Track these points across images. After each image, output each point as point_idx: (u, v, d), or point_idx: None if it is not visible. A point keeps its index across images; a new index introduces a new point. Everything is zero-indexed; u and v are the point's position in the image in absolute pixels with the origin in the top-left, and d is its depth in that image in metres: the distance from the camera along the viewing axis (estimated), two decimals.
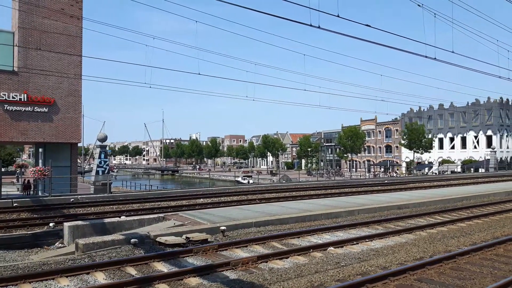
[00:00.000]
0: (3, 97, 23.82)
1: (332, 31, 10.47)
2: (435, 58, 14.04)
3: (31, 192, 26.65)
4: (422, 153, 67.25)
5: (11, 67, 24.50)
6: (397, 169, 76.18)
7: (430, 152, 68.46)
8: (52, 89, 25.42)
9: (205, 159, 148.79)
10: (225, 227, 11.43)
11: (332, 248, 9.84)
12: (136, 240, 10.03)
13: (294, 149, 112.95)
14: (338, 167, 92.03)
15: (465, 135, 72.29)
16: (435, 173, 63.67)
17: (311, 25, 9.87)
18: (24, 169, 44.59)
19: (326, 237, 11.20)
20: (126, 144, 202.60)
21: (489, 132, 68.75)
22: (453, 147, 74.24)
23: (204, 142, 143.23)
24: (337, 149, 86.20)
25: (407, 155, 75.95)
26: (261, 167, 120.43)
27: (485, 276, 7.57)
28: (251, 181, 57.74)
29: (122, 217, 13.84)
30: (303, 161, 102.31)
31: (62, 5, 25.42)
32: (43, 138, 25.29)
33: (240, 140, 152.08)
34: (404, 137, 65.49)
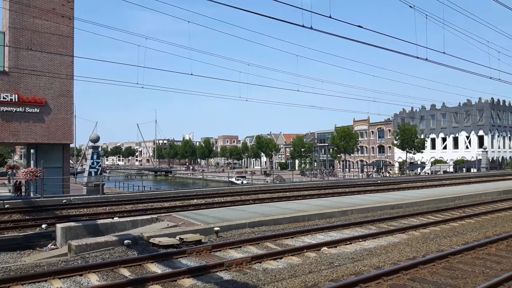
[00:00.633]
0: None
1: (325, 32, 10.51)
2: (427, 59, 14.14)
3: (23, 194, 26.42)
4: (414, 153, 67.69)
5: (2, 67, 24.29)
6: (390, 169, 76.59)
7: (422, 152, 68.93)
8: (43, 90, 25.23)
9: (199, 160, 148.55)
10: (219, 228, 11.41)
11: (325, 248, 9.87)
12: (130, 241, 9.98)
13: (287, 149, 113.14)
14: (331, 167, 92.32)
15: (457, 135, 72.87)
16: (428, 173, 64.10)
17: (303, 26, 9.90)
18: (15, 170, 44.24)
19: (320, 237, 11.23)
20: (118, 144, 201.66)
21: (481, 132, 69.37)
22: (445, 147, 74.80)
23: (198, 143, 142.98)
24: (331, 150, 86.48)
25: (399, 155, 76.39)
26: (255, 167, 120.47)
27: (477, 275, 7.63)
28: (245, 182, 57.76)
29: (115, 218, 13.76)
30: (297, 161, 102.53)
31: (54, 5, 25.25)
32: (35, 139, 25.09)
33: (234, 141, 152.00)
34: (397, 137, 65.87)
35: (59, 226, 11.65)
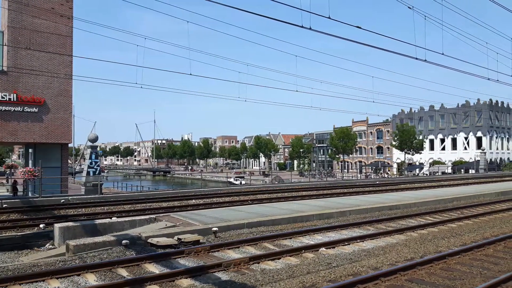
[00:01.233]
0: None
1: (323, 33, 10.51)
2: (426, 60, 14.17)
3: (19, 193, 26.36)
4: (413, 154, 67.75)
5: (1, 66, 24.23)
6: (389, 170, 76.67)
7: (421, 153, 69.01)
8: (42, 89, 25.19)
9: (197, 160, 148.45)
10: (217, 228, 11.40)
11: (324, 249, 9.87)
12: (128, 241, 9.98)
13: (286, 150, 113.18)
14: (330, 168, 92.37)
15: (455, 136, 72.98)
16: (426, 174, 64.18)
17: (302, 27, 9.91)
18: (14, 169, 44.16)
19: (318, 238, 11.23)
20: (117, 144, 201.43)
21: (479, 134, 69.49)
22: (443, 148, 74.90)
23: (196, 143, 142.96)
24: (329, 150, 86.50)
25: (398, 156, 76.49)
26: (254, 168, 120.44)
27: (474, 276, 7.65)
28: (243, 182, 57.77)
29: (113, 218, 13.75)
30: (295, 162, 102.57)
31: (52, 4, 25.21)
32: (33, 138, 25.05)
33: (232, 141, 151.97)
34: (395, 138, 65.94)
35: (57, 226, 11.64)
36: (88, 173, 24.47)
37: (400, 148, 65.53)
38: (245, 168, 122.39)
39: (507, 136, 74.12)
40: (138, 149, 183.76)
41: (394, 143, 67.28)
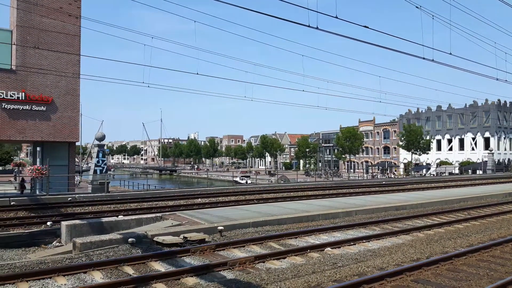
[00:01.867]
0: (0, 96, 23.78)
1: (330, 32, 10.49)
2: (433, 60, 14.08)
3: (26, 191, 26.56)
4: (420, 155, 67.36)
5: (9, 65, 24.45)
6: (395, 170, 76.31)
7: (428, 153, 68.58)
8: (50, 88, 25.39)
9: (203, 159, 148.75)
10: (222, 227, 11.43)
11: (329, 248, 9.86)
12: (134, 239, 10.03)
13: (292, 149, 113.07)
14: (336, 168, 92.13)
15: (463, 136, 72.45)
16: (433, 175, 63.80)
17: (309, 26, 9.89)
18: (22, 167, 44.54)
19: (324, 238, 11.22)
20: (124, 143, 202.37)
21: (487, 134, 68.92)
22: (451, 149, 74.40)
23: (203, 142, 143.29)
24: (335, 150, 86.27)
25: (405, 156, 76.09)
26: (259, 167, 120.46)
27: (481, 277, 7.60)
28: (249, 181, 57.78)
29: (119, 216, 13.83)
30: (301, 161, 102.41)
31: (61, 4, 25.40)
32: (41, 137, 25.26)
33: (239, 140, 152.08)
34: (402, 138, 65.60)
35: (64, 223, 11.73)
36: (95, 171, 24.62)
37: (407, 148, 65.19)
38: (251, 167, 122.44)
39: None
40: (145, 148, 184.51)
41: (401, 143, 66.94)
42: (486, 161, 54.63)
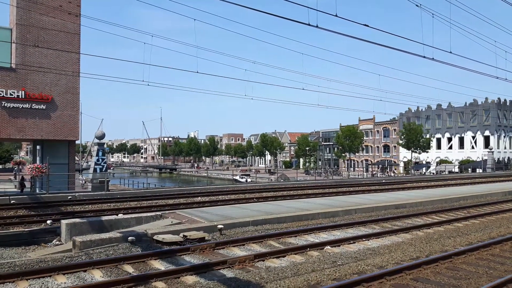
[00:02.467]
0: (0, 94, 23.75)
1: (330, 31, 10.48)
2: (433, 58, 14.07)
3: (25, 189, 26.56)
4: (420, 153, 67.38)
5: (9, 63, 24.42)
6: (395, 169, 76.33)
7: (428, 152, 68.60)
8: (50, 86, 25.36)
9: (203, 158, 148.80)
10: (222, 226, 11.44)
11: (329, 247, 9.87)
12: (134, 238, 10.04)
13: (292, 148, 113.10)
14: (336, 167, 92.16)
15: (463, 135, 72.46)
16: (433, 173, 63.81)
17: (309, 24, 9.89)
18: (21, 166, 44.53)
19: (323, 236, 11.23)
20: (124, 142, 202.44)
21: (487, 133, 68.92)
22: (450, 147, 74.41)
23: (202, 141, 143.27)
24: (335, 149, 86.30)
25: (405, 155, 76.11)
26: (259, 166, 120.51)
27: (480, 276, 7.61)
28: (249, 180, 57.79)
29: (119, 215, 13.84)
30: (301, 160, 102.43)
31: (60, 2, 25.35)
32: (41, 135, 25.25)
33: (239, 139, 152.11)
34: (402, 136, 65.62)
35: (64, 222, 11.74)
36: (95, 170, 24.64)
37: (407, 146, 65.21)
38: (251, 166, 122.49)
39: None
40: (145, 147, 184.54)
41: (400, 141, 66.96)
42: (486, 160, 54.64)
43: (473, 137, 70.81)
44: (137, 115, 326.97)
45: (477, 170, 55.91)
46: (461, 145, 72.73)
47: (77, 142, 32.65)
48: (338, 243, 10.25)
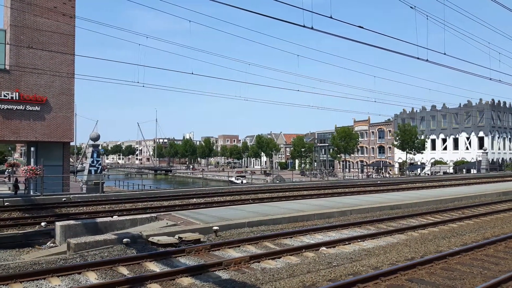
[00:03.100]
0: None
1: (325, 32, 10.52)
2: (427, 60, 14.16)
3: (20, 191, 26.42)
4: (414, 154, 67.67)
5: (3, 65, 24.29)
6: (390, 170, 76.58)
7: (422, 153, 68.91)
8: (44, 88, 25.24)
9: (199, 159, 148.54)
10: (218, 227, 11.42)
11: (324, 248, 9.88)
12: (129, 239, 10.01)
13: (288, 149, 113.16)
14: (331, 168, 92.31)
15: (457, 136, 72.85)
16: (428, 174, 64.09)
17: (304, 26, 9.91)
18: (16, 168, 44.24)
19: (319, 237, 11.24)
20: (119, 143, 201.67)
21: (481, 134, 69.34)
22: (445, 148, 74.78)
23: (198, 142, 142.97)
24: (331, 150, 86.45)
25: (399, 156, 76.38)
26: (255, 167, 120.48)
27: (475, 276, 7.65)
28: (244, 181, 57.74)
29: (114, 216, 13.79)
30: (297, 161, 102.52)
31: (55, 3, 25.26)
32: (35, 137, 25.11)
33: (234, 140, 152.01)
34: (397, 138, 65.87)
35: (58, 224, 11.67)
36: (89, 171, 24.53)
37: (402, 148, 65.46)
38: (247, 167, 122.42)
39: (509, 136, 73.96)
40: (140, 148, 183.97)
41: (395, 143, 67.23)
42: (480, 161, 54.95)
43: (468, 138, 71.21)
44: (132, 117, 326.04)
45: (472, 171, 56.23)
46: (456, 146, 73.12)
47: (71, 143, 32.48)
48: (333, 244, 10.27)
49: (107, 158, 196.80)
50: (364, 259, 8.85)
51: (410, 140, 63.82)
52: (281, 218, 13.42)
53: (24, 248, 11.64)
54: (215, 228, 11.35)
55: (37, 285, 7.18)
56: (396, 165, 78.40)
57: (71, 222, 12.05)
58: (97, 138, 25.81)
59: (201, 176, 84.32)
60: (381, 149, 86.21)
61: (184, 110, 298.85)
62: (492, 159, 66.35)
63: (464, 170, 59.98)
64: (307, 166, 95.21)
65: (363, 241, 10.82)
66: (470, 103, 70.13)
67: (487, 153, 55.66)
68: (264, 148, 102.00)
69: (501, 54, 21.21)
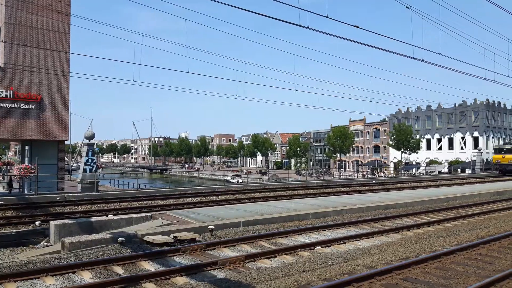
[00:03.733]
0: None
1: (321, 32, 10.53)
2: (423, 60, 14.21)
3: (14, 190, 26.26)
4: (409, 154, 67.92)
5: None
6: (385, 169, 76.82)
7: (417, 152, 69.15)
8: (39, 86, 25.10)
9: (194, 158, 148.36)
10: (213, 226, 11.41)
11: (319, 247, 9.89)
12: (123, 239, 9.97)
13: (283, 148, 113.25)
14: (327, 167, 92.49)
15: (452, 136, 73.19)
16: (423, 174, 64.35)
17: (300, 25, 9.91)
18: (10, 166, 43.97)
19: (314, 237, 11.25)
20: (114, 142, 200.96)
21: (476, 134, 69.71)
22: (440, 148, 75.11)
23: (194, 141, 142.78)
24: (326, 149, 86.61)
25: (395, 155, 76.64)
26: (251, 166, 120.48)
27: (469, 275, 7.68)
28: (240, 181, 57.72)
29: (109, 216, 13.73)
30: (293, 160, 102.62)
31: (50, 1, 25.11)
32: (30, 135, 24.96)
33: (230, 139, 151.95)
34: (392, 137, 66.08)
35: (52, 223, 11.61)
36: (84, 170, 24.41)
37: (397, 147, 65.67)
38: (242, 166, 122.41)
39: (504, 136, 74.38)
40: (135, 147, 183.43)
41: (391, 142, 67.44)
42: (475, 160, 55.20)
43: (462, 138, 71.56)
44: (128, 115, 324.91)
45: (466, 171, 56.47)
46: (451, 146, 73.46)
47: (66, 142, 32.33)
48: (328, 243, 10.28)
49: (102, 157, 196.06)
50: (359, 258, 8.86)
51: (405, 139, 64.05)
52: (276, 217, 13.42)
53: (18, 247, 11.56)
54: (210, 227, 11.33)
55: (31, 285, 7.14)
56: (391, 165, 78.65)
57: (66, 221, 11.99)
58: (92, 136, 25.68)
59: (196, 175, 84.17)
60: (377, 149, 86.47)
61: (179, 109, 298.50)
62: (487, 159, 66.64)
63: (458, 170, 60.24)
64: (303, 165, 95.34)
65: (358, 240, 10.85)
66: (465, 103, 70.48)
67: (481, 153, 55.86)
68: (260, 147, 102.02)
69: (496, 54, 21.30)
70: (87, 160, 24.27)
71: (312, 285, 7.02)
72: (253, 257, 8.74)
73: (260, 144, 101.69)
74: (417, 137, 68.01)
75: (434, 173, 60.43)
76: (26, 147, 27.12)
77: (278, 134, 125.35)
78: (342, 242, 10.55)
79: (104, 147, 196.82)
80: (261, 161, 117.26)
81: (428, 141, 76.54)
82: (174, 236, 10.26)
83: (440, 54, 14.76)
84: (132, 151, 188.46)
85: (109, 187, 42.03)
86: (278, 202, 18.32)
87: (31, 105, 24.79)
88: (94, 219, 12.53)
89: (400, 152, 66.64)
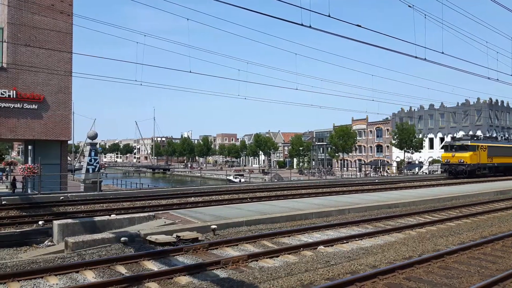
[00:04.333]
0: None
1: (323, 31, 10.51)
2: (425, 59, 14.17)
3: (17, 190, 26.34)
4: (412, 153, 67.77)
5: (0, 63, 24.18)
6: (388, 169, 76.70)
7: (420, 151, 69.02)
8: (41, 86, 25.15)
9: (197, 158, 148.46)
10: (216, 226, 11.42)
11: (322, 247, 9.89)
12: (126, 238, 9.99)
13: (286, 148, 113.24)
14: (329, 166, 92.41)
15: (455, 135, 72.96)
16: (425, 173, 64.18)
17: (302, 25, 9.90)
18: (13, 166, 44.16)
19: (317, 236, 11.25)
20: (117, 142, 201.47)
21: (479, 133, 69.44)
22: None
23: (196, 141, 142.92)
24: (329, 148, 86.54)
25: (397, 154, 76.50)
26: (253, 166, 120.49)
27: (472, 274, 7.66)
28: (242, 180, 57.73)
29: (112, 215, 13.76)
30: (295, 160, 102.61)
31: (52, 1, 25.15)
32: (33, 135, 25.03)
33: (232, 139, 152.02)
34: (395, 136, 65.95)
35: (56, 222, 11.64)
36: (87, 170, 24.47)
37: (400, 146, 65.55)
38: (245, 166, 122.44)
39: (507, 135, 74.12)
40: (138, 147, 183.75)
41: (393, 141, 67.31)
42: None
43: None
44: (130, 115, 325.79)
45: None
46: None
47: (69, 142, 32.42)
48: (331, 242, 10.27)
49: (105, 157, 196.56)
50: (362, 257, 8.85)
51: (408, 139, 63.92)
52: (279, 217, 13.42)
53: (21, 247, 11.61)
54: (213, 226, 11.34)
55: (34, 284, 7.17)
56: (394, 164, 78.50)
57: (69, 220, 12.02)
58: (95, 136, 25.75)
59: (199, 174, 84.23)
60: (379, 148, 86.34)
61: (182, 109, 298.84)
62: None
63: None
64: (305, 165, 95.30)
65: (361, 239, 10.83)
66: (468, 102, 70.29)
67: None
68: (262, 146, 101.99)
69: (499, 53, 21.24)
70: (90, 160, 24.33)
71: (315, 284, 7.01)
72: (255, 257, 8.74)
73: (262, 144, 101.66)
74: (420, 136, 67.87)
75: (437, 172, 60.26)
76: (29, 147, 27.19)
77: (281, 133, 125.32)
78: (345, 241, 10.54)
79: (107, 146, 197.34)
80: (264, 160, 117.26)
81: (431, 140, 76.38)
82: (177, 236, 10.28)
83: (443, 53, 14.72)
84: (135, 150, 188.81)
85: (112, 186, 42.16)
86: (281, 201, 18.32)
87: (34, 105, 24.85)
88: (97, 218, 12.56)
89: (403, 151, 66.50)
